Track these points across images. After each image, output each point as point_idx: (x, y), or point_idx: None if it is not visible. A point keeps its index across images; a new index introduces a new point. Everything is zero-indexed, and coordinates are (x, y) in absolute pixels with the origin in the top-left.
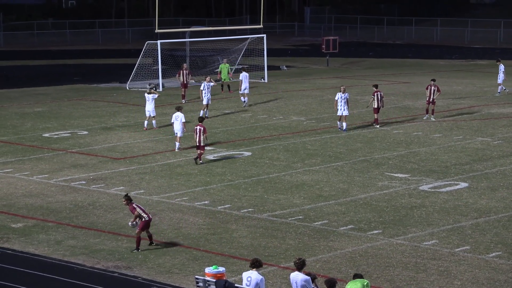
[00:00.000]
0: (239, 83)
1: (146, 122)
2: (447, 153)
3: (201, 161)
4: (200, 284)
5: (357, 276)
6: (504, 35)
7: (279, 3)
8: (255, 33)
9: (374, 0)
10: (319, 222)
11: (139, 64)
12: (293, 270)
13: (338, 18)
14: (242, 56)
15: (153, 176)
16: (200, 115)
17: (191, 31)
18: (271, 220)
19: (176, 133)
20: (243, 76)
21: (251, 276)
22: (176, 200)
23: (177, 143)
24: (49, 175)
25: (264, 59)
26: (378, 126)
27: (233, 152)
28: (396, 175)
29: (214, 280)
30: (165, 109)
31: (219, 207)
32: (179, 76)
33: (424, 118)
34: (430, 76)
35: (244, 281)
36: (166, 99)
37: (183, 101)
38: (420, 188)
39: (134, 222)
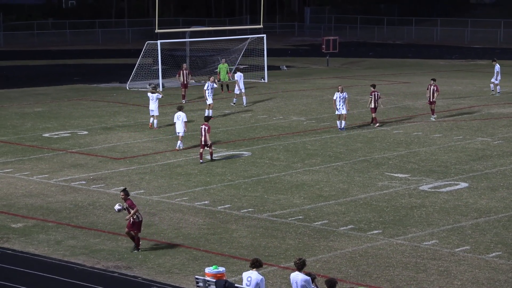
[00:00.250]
0: (235, 83)
1: (152, 120)
2: (447, 153)
3: (202, 161)
4: (200, 284)
5: None
6: (504, 35)
7: (279, 3)
8: (255, 33)
9: (374, 0)
10: (319, 222)
11: (139, 64)
12: (293, 270)
13: (338, 18)
14: (242, 56)
15: (153, 176)
16: (206, 115)
17: (191, 31)
18: (271, 220)
19: (178, 133)
20: (238, 76)
21: (251, 276)
22: (176, 200)
23: (178, 142)
24: (49, 175)
25: (264, 59)
26: (377, 125)
27: (233, 152)
28: (396, 175)
29: (214, 280)
30: (165, 109)
31: (219, 207)
32: (179, 76)
33: (431, 118)
34: (430, 76)
35: (244, 281)
36: (166, 99)
37: (183, 101)
38: (420, 188)
39: (121, 207)
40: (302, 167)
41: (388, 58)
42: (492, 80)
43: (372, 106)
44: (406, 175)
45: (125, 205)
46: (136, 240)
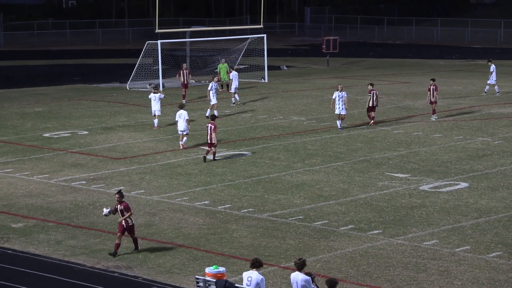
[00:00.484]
0: (229, 83)
1: (154, 121)
2: (447, 153)
3: (212, 158)
4: (201, 284)
5: None
6: (504, 35)
7: (279, 3)
8: (255, 33)
9: (374, 0)
10: (319, 222)
11: (139, 64)
12: (294, 270)
13: (338, 18)
14: (242, 56)
15: (153, 176)
16: (209, 114)
17: (191, 31)
18: (271, 220)
19: (182, 131)
20: (233, 75)
21: (251, 276)
22: (177, 200)
23: (184, 139)
24: (49, 175)
25: (264, 59)
26: (371, 123)
27: (233, 152)
28: (396, 175)
29: (215, 280)
30: (165, 109)
31: (219, 207)
32: (179, 76)
33: (432, 118)
34: (430, 76)
35: (245, 281)
36: (166, 99)
37: (184, 101)
38: (421, 188)
39: (109, 211)
40: (302, 167)
41: (388, 58)
42: (489, 82)
43: (370, 105)
44: (406, 175)
45: (121, 207)
46: (134, 240)
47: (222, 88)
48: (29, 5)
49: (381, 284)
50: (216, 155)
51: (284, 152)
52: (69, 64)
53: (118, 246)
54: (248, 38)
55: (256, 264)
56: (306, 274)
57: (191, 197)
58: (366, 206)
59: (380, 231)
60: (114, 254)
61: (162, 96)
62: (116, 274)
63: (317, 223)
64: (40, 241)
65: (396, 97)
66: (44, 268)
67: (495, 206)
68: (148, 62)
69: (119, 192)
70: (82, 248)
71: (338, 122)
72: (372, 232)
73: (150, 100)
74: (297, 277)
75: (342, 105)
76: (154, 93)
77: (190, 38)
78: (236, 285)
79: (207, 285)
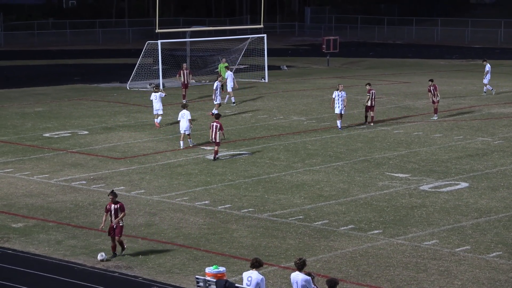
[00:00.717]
0: (224, 82)
1: (156, 120)
2: (447, 153)
3: (217, 157)
4: (201, 284)
5: None
6: (504, 35)
7: (279, 3)
8: (256, 33)
9: (374, 0)
10: (320, 222)
11: (139, 64)
12: (294, 270)
13: (338, 18)
14: (242, 56)
15: (153, 176)
16: (216, 112)
17: (191, 31)
18: (271, 220)
19: (185, 131)
20: (228, 74)
21: (251, 276)
22: (177, 200)
23: (189, 140)
24: (49, 175)
25: (264, 59)
26: (367, 123)
27: (234, 152)
28: (396, 175)
29: (215, 280)
30: (165, 109)
31: (219, 207)
32: (179, 76)
33: (433, 118)
34: (430, 76)
35: (245, 281)
36: (166, 99)
37: (184, 101)
38: (421, 188)
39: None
40: (302, 167)
41: (388, 58)
42: (485, 81)
43: (369, 104)
44: (406, 175)
45: (115, 206)
46: (121, 243)
47: (222, 89)
48: (29, 5)
49: (381, 284)
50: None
51: (284, 152)
52: (69, 64)
53: (115, 247)
54: (248, 38)
55: (256, 264)
56: (306, 274)
57: (191, 197)
58: (366, 206)
59: (380, 231)
60: (114, 256)
61: (163, 94)
62: (116, 274)
63: (317, 223)
64: (40, 241)
65: (396, 97)
66: (44, 268)
67: (495, 206)
68: (148, 62)
69: (113, 192)
70: (82, 248)
71: (338, 122)
72: (372, 232)
73: (151, 101)
74: (297, 277)
75: (341, 104)
76: (155, 92)
77: (190, 38)
78: (236, 285)
79: (207, 285)
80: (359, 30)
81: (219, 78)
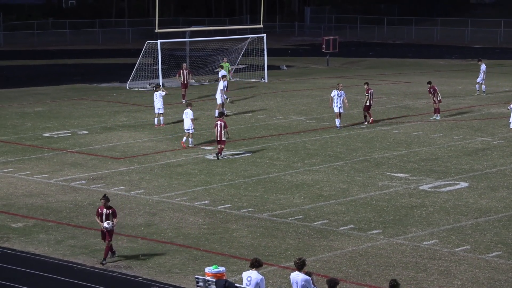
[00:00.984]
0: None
1: (156, 120)
2: (447, 153)
3: (221, 156)
4: (200, 283)
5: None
6: (504, 35)
7: (279, 3)
8: (255, 33)
9: (374, 0)
10: (319, 222)
11: (139, 64)
12: (293, 270)
13: (338, 18)
14: (242, 56)
15: (153, 175)
16: (220, 111)
17: (191, 31)
18: (271, 220)
19: (187, 130)
20: (222, 74)
21: (251, 276)
22: (176, 200)
23: (190, 139)
24: (49, 174)
25: (264, 59)
26: (365, 123)
27: (233, 152)
28: (396, 174)
29: (214, 280)
30: (164, 109)
31: (219, 207)
32: (179, 76)
33: (435, 118)
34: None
35: (244, 281)
36: (166, 99)
37: (184, 101)
38: (420, 187)
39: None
40: (302, 167)
41: (388, 58)
42: (478, 80)
43: (368, 104)
44: (406, 175)
45: (107, 211)
46: (106, 249)
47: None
48: (29, 5)
49: (381, 284)
50: (215, 155)
51: (284, 152)
52: (69, 64)
53: (111, 248)
54: (248, 38)
55: (255, 264)
56: (306, 273)
57: (191, 197)
58: (366, 206)
59: (380, 231)
60: (112, 255)
61: (163, 93)
62: (116, 274)
63: (317, 223)
64: (40, 240)
65: (396, 97)
66: (44, 268)
67: (495, 206)
68: (148, 62)
69: (105, 196)
70: (82, 248)
71: (337, 121)
72: (372, 232)
73: (153, 100)
74: (297, 277)
75: (341, 103)
76: (156, 91)
77: (190, 38)
78: (236, 285)
79: (207, 285)
80: (359, 30)
81: (224, 78)
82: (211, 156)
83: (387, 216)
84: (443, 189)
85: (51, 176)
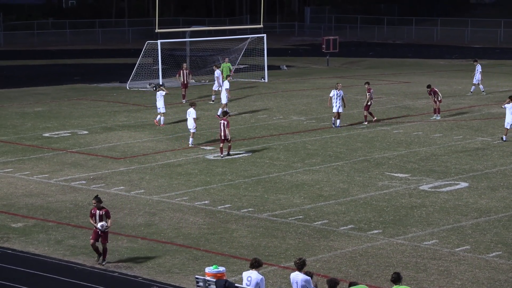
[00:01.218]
0: (216, 81)
1: (158, 117)
2: (447, 153)
3: (222, 155)
4: (200, 283)
5: (352, 284)
6: (504, 35)
7: (279, 3)
8: (255, 33)
9: (374, 0)
10: (319, 222)
11: (139, 64)
12: (293, 270)
13: (338, 18)
14: (242, 55)
15: (153, 175)
16: (224, 110)
17: (191, 31)
18: (271, 220)
19: (190, 129)
20: (218, 73)
21: (251, 275)
22: (176, 200)
23: (191, 139)
24: (49, 174)
25: (264, 59)
26: (366, 123)
27: (233, 152)
28: (396, 175)
29: (214, 280)
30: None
31: (219, 207)
32: (179, 76)
33: (436, 117)
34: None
35: (244, 281)
36: (166, 99)
37: (183, 101)
38: (420, 188)
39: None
40: (302, 167)
41: (388, 58)
42: (474, 81)
43: (369, 103)
44: (406, 175)
45: (100, 212)
46: (104, 251)
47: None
48: (29, 5)
49: (381, 284)
50: (216, 154)
51: (284, 152)
52: (69, 64)
53: (97, 249)
54: (248, 38)
55: (255, 264)
56: (306, 273)
57: (191, 197)
58: (366, 206)
59: (380, 231)
60: (98, 257)
61: (164, 93)
62: (116, 274)
63: (317, 223)
64: (40, 241)
65: (396, 97)
66: (44, 268)
67: (495, 206)
68: (148, 62)
69: (97, 197)
70: (82, 248)
71: (337, 121)
72: (372, 232)
73: (154, 100)
74: (297, 277)
75: (340, 103)
76: (157, 91)
77: (190, 38)
78: (236, 285)
79: (207, 285)
80: (359, 30)
81: (228, 78)
82: (211, 157)
83: (387, 216)
84: (443, 189)
85: (51, 176)
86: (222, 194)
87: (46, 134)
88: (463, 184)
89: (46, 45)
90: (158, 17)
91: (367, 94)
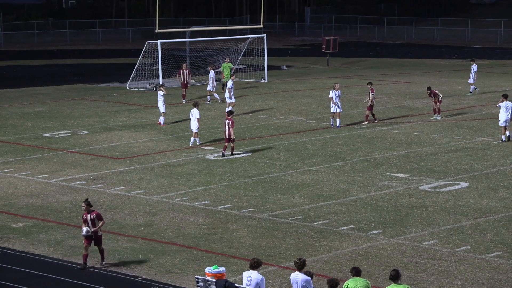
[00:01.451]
0: (210, 82)
1: (159, 119)
2: (447, 153)
3: (230, 154)
4: (201, 284)
5: (355, 270)
6: (504, 35)
7: (279, 3)
8: (255, 33)
9: (374, 0)
10: (319, 222)
11: (139, 64)
12: (294, 270)
13: (338, 18)
14: (242, 56)
15: (153, 176)
16: (229, 110)
17: (191, 31)
18: (271, 220)
19: (192, 129)
20: (212, 74)
21: (251, 276)
22: (177, 200)
23: (192, 139)
24: (49, 175)
25: (264, 59)
26: (366, 123)
27: (234, 152)
28: (396, 175)
29: (215, 280)
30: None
31: (219, 207)
32: (179, 76)
33: (436, 117)
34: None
35: (245, 281)
36: (166, 99)
37: (183, 101)
38: (421, 188)
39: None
40: (302, 167)
41: (388, 58)
42: (470, 81)
43: (372, 103)
44: (406, 175)
45: (91, 216)
46: (101, 252)
47: (223, 89)
48: (29, 5)
49: (381, 284)
50: (216, 154)
51: (284, 152)
52: (69, 64)
53: (86, 257)
54: (248, 38)
55: (254, 265)
56: (306, 273)
57: (191, 197)
58: (366, 206)
59: (380, 231)
60: (84, 267)
61: (162, 93)
62: (116, 274)
63: (317, 223)
64: (40, 241)
65: (396, 97)
66: (44, 268)
67: (495, 206)
68: (148, 62)
69: (86, 200)
70: (82, 248)
71: (337, 121)
72: (372, 232)
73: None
74: (297, 277)
75: (338, 103)
76: (157, 90)
77: (190, 38)
78: (236, 285)
79: (207, 285)
80: (359, 30)
81: (232, 78)
82: (211, 157)
83: (387, 216)
84: (443, 189)
85: (51, 176)
86: (222, 194)
87: (46, 134)
88: (463, 184)
89: (46, 45)
90: (158, 17)
91: (371, 94)
